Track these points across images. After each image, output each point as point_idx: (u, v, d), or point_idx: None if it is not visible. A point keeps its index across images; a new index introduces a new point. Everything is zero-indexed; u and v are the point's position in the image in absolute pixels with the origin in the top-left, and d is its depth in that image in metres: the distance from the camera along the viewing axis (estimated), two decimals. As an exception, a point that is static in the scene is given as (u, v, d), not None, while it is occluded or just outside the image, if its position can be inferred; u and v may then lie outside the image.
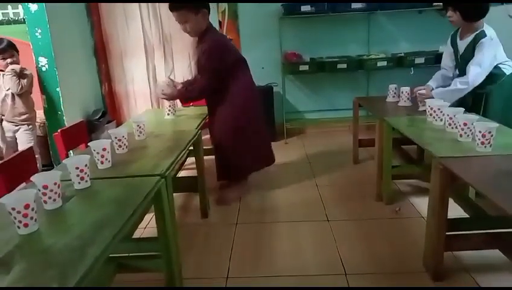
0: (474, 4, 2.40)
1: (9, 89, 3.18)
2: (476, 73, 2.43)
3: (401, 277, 1.98)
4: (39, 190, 1.34)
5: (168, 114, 2.98)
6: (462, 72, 2.58)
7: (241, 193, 3.01)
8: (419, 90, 2.68)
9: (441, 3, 4.00)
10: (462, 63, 2.61)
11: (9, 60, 3.17)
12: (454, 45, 2.70)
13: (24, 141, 3.28)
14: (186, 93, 2.75)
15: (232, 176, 2.98)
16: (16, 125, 3.29)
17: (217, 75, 2.64)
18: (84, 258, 1.04)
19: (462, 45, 2.59)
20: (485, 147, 1.74)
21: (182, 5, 2.54)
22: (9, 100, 3.22)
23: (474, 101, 2.55)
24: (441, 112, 2.22)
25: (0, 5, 4.48)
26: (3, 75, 3.18)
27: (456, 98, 2.49)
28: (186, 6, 2.54)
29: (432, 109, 2.28)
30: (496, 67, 2.47)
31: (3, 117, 3.28)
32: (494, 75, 2.47)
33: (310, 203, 2.86)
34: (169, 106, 2.98)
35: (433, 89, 2.66)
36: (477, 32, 2.46)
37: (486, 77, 2.45)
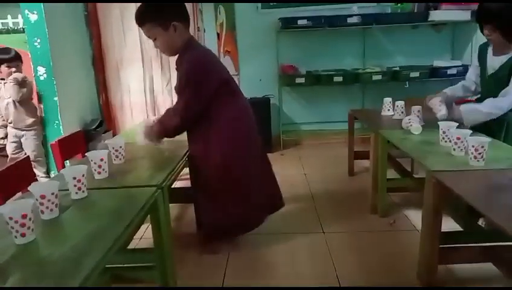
0: None
1: (10, 96, 3.28)
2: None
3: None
4: (36, 200, 1.35)
5: None
6: (490, 92, 2.29)
7: (229, 247, 2.41)
8: (431, 99, 2.43)
9: (436, 19, 4.11)
10: (490, 82, 2.32)
11: (13, 70, 3.27)
12: (483, 60, 2.39)
13: (30, 146, 3.37)
14: (163, 131, 2.15)
15: (215, 234, 2.33)
16: (22, 130, 3.37)
17: (199, 103, 2.06)
18: (79, 269, 1.04)
19: (495, 62, 2.29)
20: (478, 161, 1.76)
21: (145, 18, 1.99)
22: (11, 107, 3.32)
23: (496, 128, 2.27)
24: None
25: (0, 14, 4.51)
26: (4, 83, 3.29)
27: (483, 120, 2.22)
28: (150, 20, 1.98)
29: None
30: None
31: (9, 124, 3.38)
32: None
33: (305, 215, 2.87)
34: None
35: (446, 96, 2.45)
36: None
37: None
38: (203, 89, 2.04)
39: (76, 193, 1.56)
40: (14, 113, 3.33)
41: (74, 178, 1.54)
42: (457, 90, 2.60)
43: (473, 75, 2.55)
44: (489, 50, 2.35)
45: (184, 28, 2.06)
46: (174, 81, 4.47)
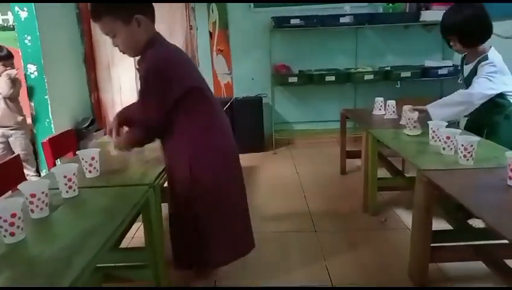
0: (471, 31, 2.24)
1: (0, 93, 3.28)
2: (478, 87, 2.22)
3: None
4: (26, 199, 1.33)
5: None
6: None
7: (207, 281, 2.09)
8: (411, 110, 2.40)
9: (427, 19, 4.14)
10: (463, 88, 2.43)
11: (8, 68, 3.31)
12: (461, 69, 2.57)
13: (20, 145, 3.36)
14: (131, 142, 1.81)
15: (187, 263, 1.94)
16: (10, 130, 3.36)
17: (160, 110, 1.68)
18: (70, 268, 1.03)
19: (466, 69, 2.45)
20: (467, 160, 1.78)
21: (102, 10, 1.64)
22: (2, 104, 3.30)
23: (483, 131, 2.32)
24: (415, 121, 2.34)
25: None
26: None
27: (454, 113, 2.28)
28: (108, 12, 1.63)
29: (409, 120, 2.38)
30: (501, 95, 2.24)
31: None
32: (500, 105, 2.26)
33: (297, 214, 2.87)
34: None
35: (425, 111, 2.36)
36: (481, 56, 2.30)
37: (492, 106, 2.25)
38: (166, 94, 1.65)
39: (67, 191, 1.54)
40: (3, 111, 3.31)
41: (65, 177, 1.53)
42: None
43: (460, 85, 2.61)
44: (464, 59, 2.53)
45: (149, 23, 1.72)
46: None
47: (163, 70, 1.64)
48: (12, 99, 3.32)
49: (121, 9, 1.64)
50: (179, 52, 1.83)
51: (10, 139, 3.37)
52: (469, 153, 1.77)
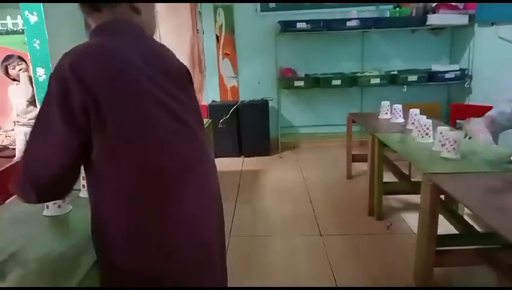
0: None
1: (22, 96, 3.48)
2: None
3: (392, 291, 2.00)
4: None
5: None
6: None
7: None
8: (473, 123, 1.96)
9: (434, 23, 4.13)
10: None
11: (23, 68, 3.49)
12: None
13: None
14: (15, 189, 1.01)
15: None
16: (29, 127, 3.46)
17: (61, 138, 0.93)
18: (78, 266, 1.05)
19: None
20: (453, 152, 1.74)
21: None
22: (23, 106, 3.50)
23: None
24: (428, 128, 2.28)
25: (0, 15, 4.53)
26: (16, 84, 3.48)
27: None
28: None
29: (420, 125, 2.34)
30: None
31: (17, 123, 3.56)
32: None
33: (303, 217, 2.88)
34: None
35: (492, 121, 1.99)
36: None
37: None
38: (68, 109, 0.92)
39: (81, 190, 1.54)
40: (24, 111, 3.50)
41: (83, 178, 1.53)
42: (507, 112, 1.96)
43: None
44: None
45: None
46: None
47: (61, 72, 0.99)
48: (30, 100, 3.49)
49: None
50: (105, 42, 1.07)
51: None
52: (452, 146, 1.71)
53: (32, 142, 0.97)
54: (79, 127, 0.92)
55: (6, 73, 3.49)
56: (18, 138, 3.56)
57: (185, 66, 1.16)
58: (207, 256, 1.08)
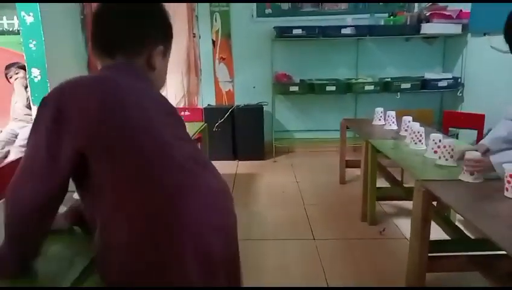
0: None
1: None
2: None
3: (384, 296, 2.01)
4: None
5: None
6: None
7: None
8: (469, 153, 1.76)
9: (427, 32, 4.19)
10: None
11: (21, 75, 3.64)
12: None
13: None
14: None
15: None
16: (27, 122, 3.61)
17: (51, 170, 0.88)
18: (73, 267, 1.05)
19: None
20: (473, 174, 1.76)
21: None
22: (20, 111, 3.66)
23: None
24: (421, 135, 2.31)
25: (-5, 15, 4.53)
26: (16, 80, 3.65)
27: None
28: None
29: (413, 132, 2.37)
30: None
31: (19, 121, 3.68)
32: None
33: (296, 222, 2.89)
34: None
35: (488, 150, 1.89)
36: None
37: None
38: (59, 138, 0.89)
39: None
40: (21, 115, 3.65)
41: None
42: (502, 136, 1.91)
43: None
44: None
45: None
46: (170, 88, 4.56)
47: (58, 94, 0.96)
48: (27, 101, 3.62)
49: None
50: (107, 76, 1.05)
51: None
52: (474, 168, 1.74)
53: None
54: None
55: (8, 81, 3.71)
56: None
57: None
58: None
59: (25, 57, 3.47)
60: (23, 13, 3.38)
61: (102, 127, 0.90)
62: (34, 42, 3.43)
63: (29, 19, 3.40)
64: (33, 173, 0.89)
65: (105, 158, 0.90)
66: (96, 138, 0.90)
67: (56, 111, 0.89)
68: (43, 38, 3.42)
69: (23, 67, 3.61)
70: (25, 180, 0.90)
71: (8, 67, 3.69)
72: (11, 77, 3.66)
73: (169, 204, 0.93)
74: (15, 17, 4.19)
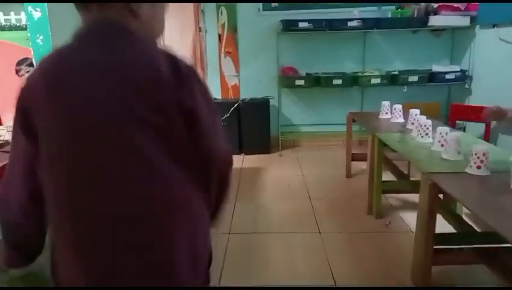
0: None
1: None
2: None
3: (390, 289, 2.02)
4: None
5: None
6: None
7: None
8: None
9: (435, 24, 4.15)
10: None
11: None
12: None
13: None
14: None
15: None
16: None
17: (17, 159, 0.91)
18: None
19: None
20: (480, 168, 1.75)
21: None
22: None
23: None
24: (428, 128, 2.30)
25: (4, 10, 4.55)
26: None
27: None
28: None
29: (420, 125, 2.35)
30: None
31: None
32: None
33: (302, 215, 2.90)
34: None
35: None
36: None
37: None
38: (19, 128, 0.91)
39: None
40: None
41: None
42: None
43: None
44: None
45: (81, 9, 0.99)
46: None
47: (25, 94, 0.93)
48: None
49: None
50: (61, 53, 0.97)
51: None
52: (482, 161, 1.75)
53: None
54: None
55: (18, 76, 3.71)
56: None
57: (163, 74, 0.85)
58: None
59: (32, 52, 3.50)
60: (30, 8, 3.40)
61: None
62: (41, 37, 3.45)
63: (37, 14, 3.42)
64: (13, 171, 0.91)
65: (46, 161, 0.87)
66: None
67: (15, 111, 0.90)
68: (50, 34, 3.45)
69: (32, 65, 3.65)
70: (10, 177, 0.92)
71: (19, 63, 3.70)
72: (22, 75, 3.69)
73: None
74: (22, 13, 4.22)
